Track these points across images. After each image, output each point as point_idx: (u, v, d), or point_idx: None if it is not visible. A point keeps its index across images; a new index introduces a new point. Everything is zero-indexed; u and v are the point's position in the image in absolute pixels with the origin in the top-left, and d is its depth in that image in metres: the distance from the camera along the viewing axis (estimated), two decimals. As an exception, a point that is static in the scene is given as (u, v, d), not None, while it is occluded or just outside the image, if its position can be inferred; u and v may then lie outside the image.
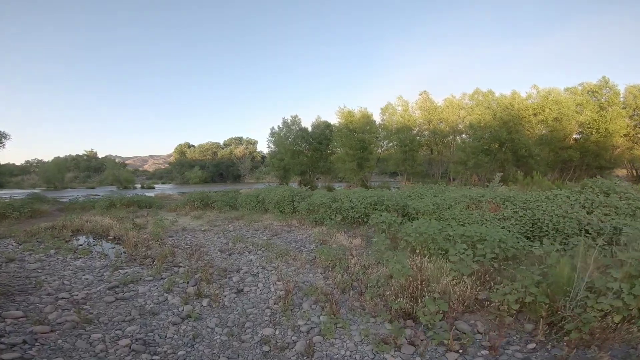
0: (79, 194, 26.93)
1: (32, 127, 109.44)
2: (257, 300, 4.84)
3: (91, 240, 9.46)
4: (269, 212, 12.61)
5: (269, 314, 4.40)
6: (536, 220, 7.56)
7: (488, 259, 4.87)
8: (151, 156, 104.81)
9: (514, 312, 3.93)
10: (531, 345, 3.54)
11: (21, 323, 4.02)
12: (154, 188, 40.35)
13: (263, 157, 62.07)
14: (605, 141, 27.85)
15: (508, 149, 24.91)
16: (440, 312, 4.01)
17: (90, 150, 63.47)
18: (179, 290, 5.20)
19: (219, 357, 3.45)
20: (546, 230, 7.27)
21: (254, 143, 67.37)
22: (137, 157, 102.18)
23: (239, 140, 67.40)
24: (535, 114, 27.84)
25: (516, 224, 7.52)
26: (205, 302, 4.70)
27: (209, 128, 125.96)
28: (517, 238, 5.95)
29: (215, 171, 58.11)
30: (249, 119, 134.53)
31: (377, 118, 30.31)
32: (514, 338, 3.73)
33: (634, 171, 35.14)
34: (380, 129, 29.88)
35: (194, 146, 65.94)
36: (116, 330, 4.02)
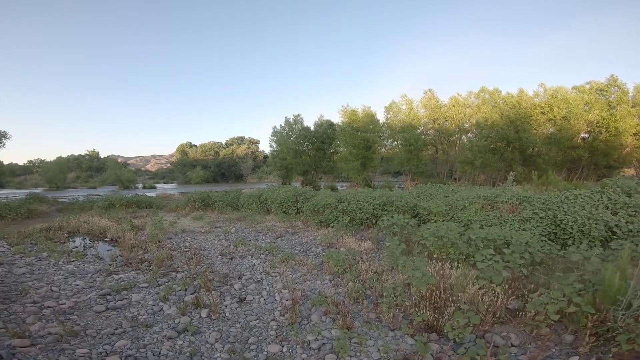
0: (79, 194, 26.67)
1: (36, 126, 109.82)
2: (261, 311, 4.39)
3: (87, 242, 9.07)
4: (271, 213, 12.18)
5: (274, 327, 3.96)
6: (558, 222, 7.07)
7: (518, 265, 4.40)
8: (153, 156, 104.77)
9: (552, 322, 3.55)
10: (574, 358, 3.17)
11: (-2, 336, 3.60)
12: (155, 188, 40.08)
13: (265, 157, 61.69)
14: (615, 140, 27.26)
15: (515, 148, 24.37)
16: (471, 324, 3.57)
17: (92, 150, 63.42)
18: (175, 299, 4.76)
19: (218, 381, 3.01)
20: (570, 233, 6.79)
21: (256, 143, 67.02)
22: (139, 157, 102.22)
23: (240, 140, 67.07)
24: (543, 113, 27.27)
25: (537, 225, 7.03)
26: (204, 312, 4.26)
27: (211, 128, 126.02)
28: (542, 241, 5.49)
29: (217, 171, 57.76)
30: (251, 119, 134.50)
31: (380, 117, 29.87)
32: (554, 350, 3.36)
33: (643, 170, 34.44)
34: (384, 128, 29.37)
35: (195, 146, 65.67)
36: (104, 344, 3.58)
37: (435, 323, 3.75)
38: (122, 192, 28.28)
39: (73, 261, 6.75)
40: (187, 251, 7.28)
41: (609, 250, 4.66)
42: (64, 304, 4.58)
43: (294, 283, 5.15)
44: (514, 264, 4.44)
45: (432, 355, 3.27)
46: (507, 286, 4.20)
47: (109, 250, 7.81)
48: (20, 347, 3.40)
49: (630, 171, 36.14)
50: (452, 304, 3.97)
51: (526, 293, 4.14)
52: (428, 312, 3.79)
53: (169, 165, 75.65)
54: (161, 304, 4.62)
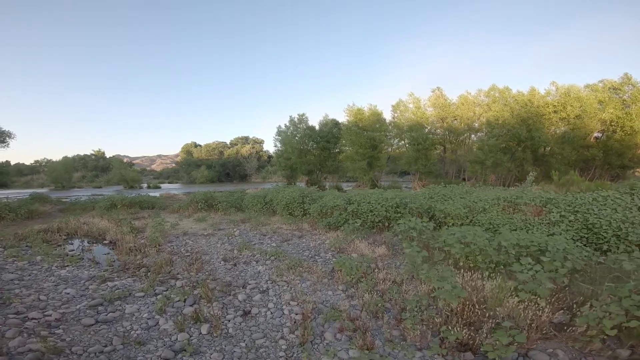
0: (84, 194, 26.51)
1: (43, 127, 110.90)
2: (268, 326, 3.90)
3: (86, 244, 8.69)
4: (277, 214, 11.71)
5: (283, 346, 3.47)
6: (590, 226, 6.50)
7: (561, 275, 3.87)
8: (159, 156, 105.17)
9: (606, 337, 3.15)
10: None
11: (-31, 358, 3.16)
12: (160, 188, 39.93)
13: (269, 157, 61.35)
14: (630, 139, 26.40)
15: (527, 147, 23.63)
16: (515, 343, 3.07)
17: (98, 149, 63.63)
18: (173, 311, 4.30)
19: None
20: (604, 237, 6.22)
21: (260, 142, 66.70)
22: (145, 157, 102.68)
23: (245, 140, 66.81)
24: (555, 111, 26.45)
25: (567, 229, 6.46)
26: (204, 328, 3.78)
27: (215, 127, 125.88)
28: (579, 247, 4.94)
29: (221, 171, 57.57)
30: (251, 119, 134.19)
31: (386, 116, 29.25)
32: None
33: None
34: (390, 127, 28.76)
35: (200, 146, 65.61)
36: (90, 367, 3.13)
37: (471, 342, 3.26)
38: (126, 192, 28.08)
39: (67, 266, 6.34)
40: (188, 256, 6.83)
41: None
42: (50, 315, 4.14)
43: (303, 294, 4.66)
44: (557, 273, 3.90)
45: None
46: (553, 298, 3.69)
47: (107, 254, 7.39)
48: (-6, 368, 2.97)
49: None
50: (488, 320, 3.46)
51: (574, 305, 3.63)
52: (462, 330, 3.29)
53: (174, 165, 75.77)
54: (157, 317, 4.16)
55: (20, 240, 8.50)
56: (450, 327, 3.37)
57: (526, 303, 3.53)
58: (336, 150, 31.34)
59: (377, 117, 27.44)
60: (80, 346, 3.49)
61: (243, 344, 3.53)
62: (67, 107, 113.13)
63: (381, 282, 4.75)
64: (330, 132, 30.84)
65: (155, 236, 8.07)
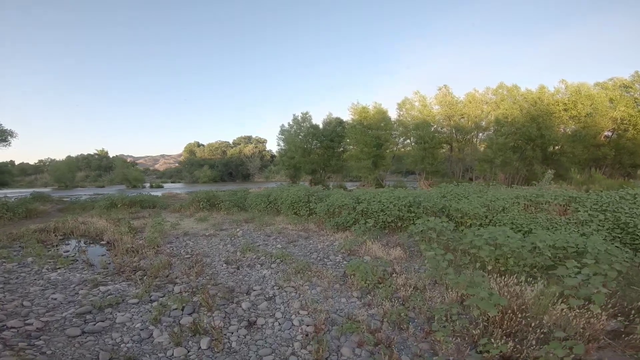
0: (87, 193, 26.27)
1: (48, 127, 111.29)
2: (277, 340, 3.44)
3: (82, 244, 8.29)
4: (281, 214, 11.25)
5: (294, 365, 3.00)
6: (623, 225, 5.97)
7: (612, 279, 3.38)
8: (162, 156, 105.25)
9: None
10: None
11: None
12: (162, 187, 39.68)
13: (272, 156, 61.00)
14: (642, 138, 25.69)
15: (537, 145, 23.02)
16: (571, 355, 2.60)
17: (101, 149, 63.66)
18: (169, 321, 3.85)
19: None
20: (641, 238, 5.69)
21: (263, 142, 66.37)
22: (148, 156, 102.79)
23: (248, 139, 66.50)
24: (566, 109, 25.80)
25: (598, 229, 5.94)
26: (204, 342, 3.33)
27: (217, 127, 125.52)
28: (619, 249, 4.45)
29: (224, 170, 57.29)
30: (251, 118, 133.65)
31: (391, 115, 28.70)
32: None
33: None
34: (395, 125, 28.22)
35: (203, 145, 65.38)
36: (71, 389, 2.69)
37: (517, 355, 2.80)
38: (129, 191, 27.80)
39: (59, 268, 5.92)
40: (188, 258, 6.38)
41: None
42: (32, 324, 3.71)
43: (313, 301, 4.19)
44: (607, 277, 3.41)
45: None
46: (608, 305, 3.22)
47: (103, 255, 6.97)
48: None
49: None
50: (534, 330, 3.00)
51: (631, 312, 3.17)
52: (509, 343, 2.82)
53: (177, 164, 75.67)
54: (151, 327, 3.71)
55: (14, 241, 8.12)
56: (492, 340, 2.89)
57: (576, 310, 3.06)
58: (340, 149, 30.86)
59: (382, 115, 26.92)
60: (62, 362, 3.06)
61: (248, 362, 3.07)
62: (70, 108, 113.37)
63: (401, 288, 4.27)
64: (334, 130, 30.36)
65: (153, 237, 7.64)
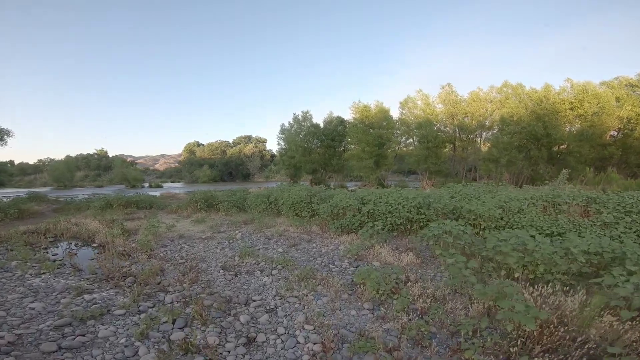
0: (85, 193, 25.86)
1: (48, 126, 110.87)
2: (279, 361, 3.00)
3: (73, 247, 7.86)
4: (282, 215, 10.81)
5: (300, 394, 2.56)
6: (653, 229, 5.54)
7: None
8: (162, 155, 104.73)
9: None
10: None
11: None
12: (161, 187, 39.31)
13: (272, 156, 60.57)
14: (650, 138, 25.27)
15: (543, 145, 22.59)
16: None
17: (101, 149, 63.31)
18: (158, 336, 3.41)
19: None
20: (674, 243, 5.26)
21: (263, 141, 65.92)
22: (148, 156, 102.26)
23: (248, 139, 66.07)
24: (572, 108, 25.34)
25: (626, 232, 5.50)
26: (195, 364, 2.89)
27: (218, 127, 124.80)
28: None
29: (224, 170, 56.90)
30: (251, 118, 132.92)
31: (393, 114, 28.26)
32: None
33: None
34: (397, 124, 27.77)
35: (203, 145, 64.97)
36: None
37: None
38: (127, 191, 27.37)
39: (43, 273, 5.49)
40: (183, 263, 5.94)
41: None
42: (3, 337, 3.28)
43: (319, 314, 3.75)
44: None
45: None
46: None
47: (92, 259, 6.53)
48: None
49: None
50: (580, 346, 2.58)
51: None
52: None
53: (177, 164, 75.27)
54: (137, 343, 3.27)
55: (0, 243, 7.69)
56: (532, 357, 2.46)
57: (629, 323, 2.65)
58: (341, 148, 30.43)
59: (384, 114, 26.49)
60: (31, 388, 2.62)
61: (246, 389, 2.63)
62: (69, 107, 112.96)
63: (418, 298, 3.83)
64: (335, 129, 29.94)
65: (147, 240, 7.20)
